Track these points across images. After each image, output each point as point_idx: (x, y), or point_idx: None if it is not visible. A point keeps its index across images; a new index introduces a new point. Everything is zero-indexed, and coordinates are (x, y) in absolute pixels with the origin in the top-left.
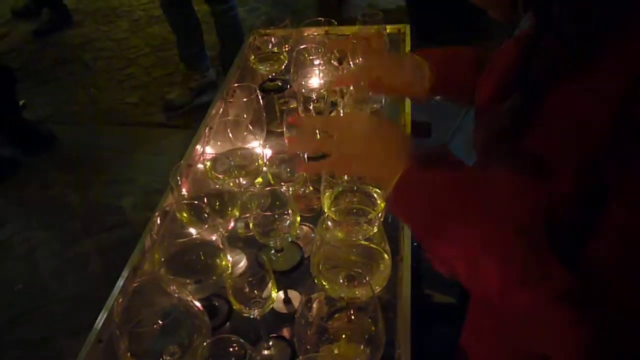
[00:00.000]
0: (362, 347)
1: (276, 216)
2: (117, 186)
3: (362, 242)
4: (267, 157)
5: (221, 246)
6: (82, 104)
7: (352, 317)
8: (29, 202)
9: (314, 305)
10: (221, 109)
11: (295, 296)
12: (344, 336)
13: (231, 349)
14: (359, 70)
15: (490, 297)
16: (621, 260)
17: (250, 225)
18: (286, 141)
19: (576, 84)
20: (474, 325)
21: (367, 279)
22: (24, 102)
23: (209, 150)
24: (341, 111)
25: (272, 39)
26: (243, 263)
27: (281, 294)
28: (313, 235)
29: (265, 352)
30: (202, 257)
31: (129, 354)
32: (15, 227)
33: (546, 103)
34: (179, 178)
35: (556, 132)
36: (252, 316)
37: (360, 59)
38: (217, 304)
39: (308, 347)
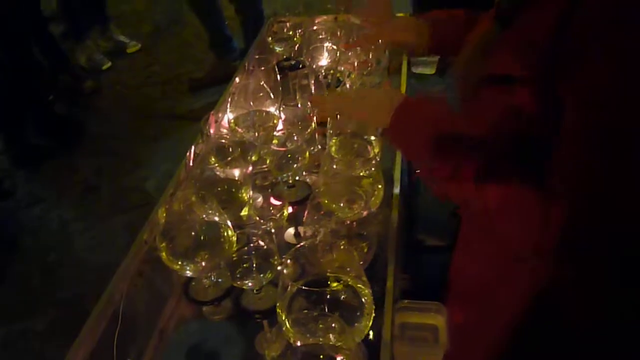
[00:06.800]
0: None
1: (288, 155)
2: (141, 171)
3: (361, 174)
4: (283, 118)
5: (242, 182)
6: (109, 98)
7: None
8: (60, 185)
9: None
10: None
11: (303, 231)
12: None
13: None
14: (367, 35)
15: (470, 199)
16: (580, 160)
17: (267, 161)
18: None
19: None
20: (464, 241)
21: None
22: (52, 97)
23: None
24: (347, 84)
25: (288, 24)
26: (260, 199)
27: (292, 229)
28: None
29: None
30: (227, 189)
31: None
32: (48, 205)
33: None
34: (208, 126)
35: (512, 50)
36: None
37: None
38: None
39: None
